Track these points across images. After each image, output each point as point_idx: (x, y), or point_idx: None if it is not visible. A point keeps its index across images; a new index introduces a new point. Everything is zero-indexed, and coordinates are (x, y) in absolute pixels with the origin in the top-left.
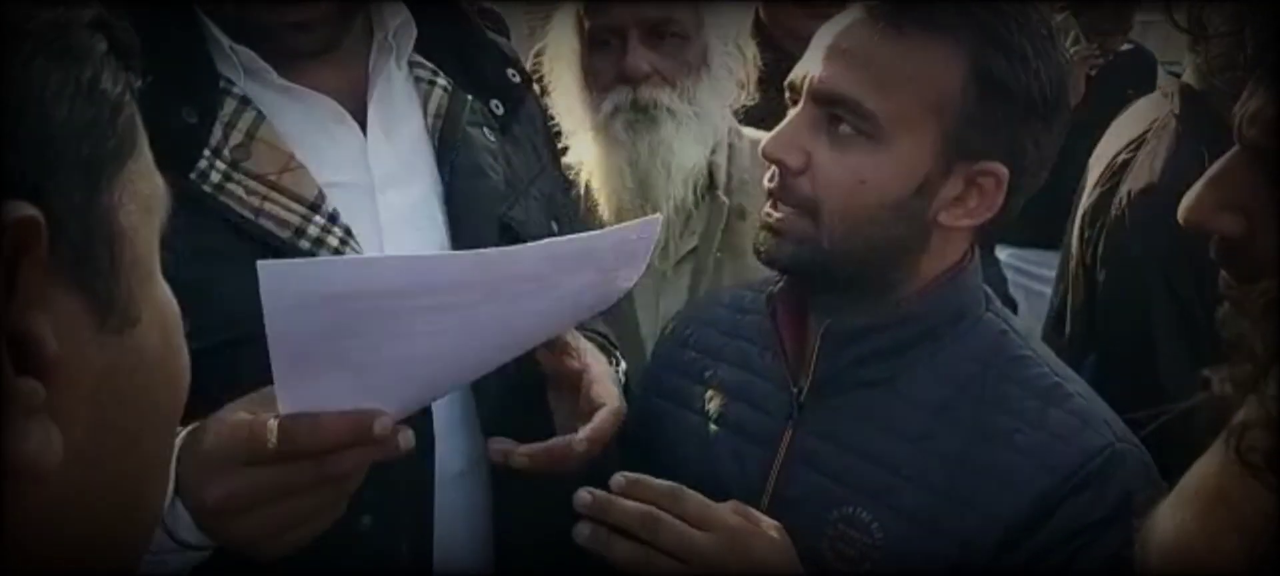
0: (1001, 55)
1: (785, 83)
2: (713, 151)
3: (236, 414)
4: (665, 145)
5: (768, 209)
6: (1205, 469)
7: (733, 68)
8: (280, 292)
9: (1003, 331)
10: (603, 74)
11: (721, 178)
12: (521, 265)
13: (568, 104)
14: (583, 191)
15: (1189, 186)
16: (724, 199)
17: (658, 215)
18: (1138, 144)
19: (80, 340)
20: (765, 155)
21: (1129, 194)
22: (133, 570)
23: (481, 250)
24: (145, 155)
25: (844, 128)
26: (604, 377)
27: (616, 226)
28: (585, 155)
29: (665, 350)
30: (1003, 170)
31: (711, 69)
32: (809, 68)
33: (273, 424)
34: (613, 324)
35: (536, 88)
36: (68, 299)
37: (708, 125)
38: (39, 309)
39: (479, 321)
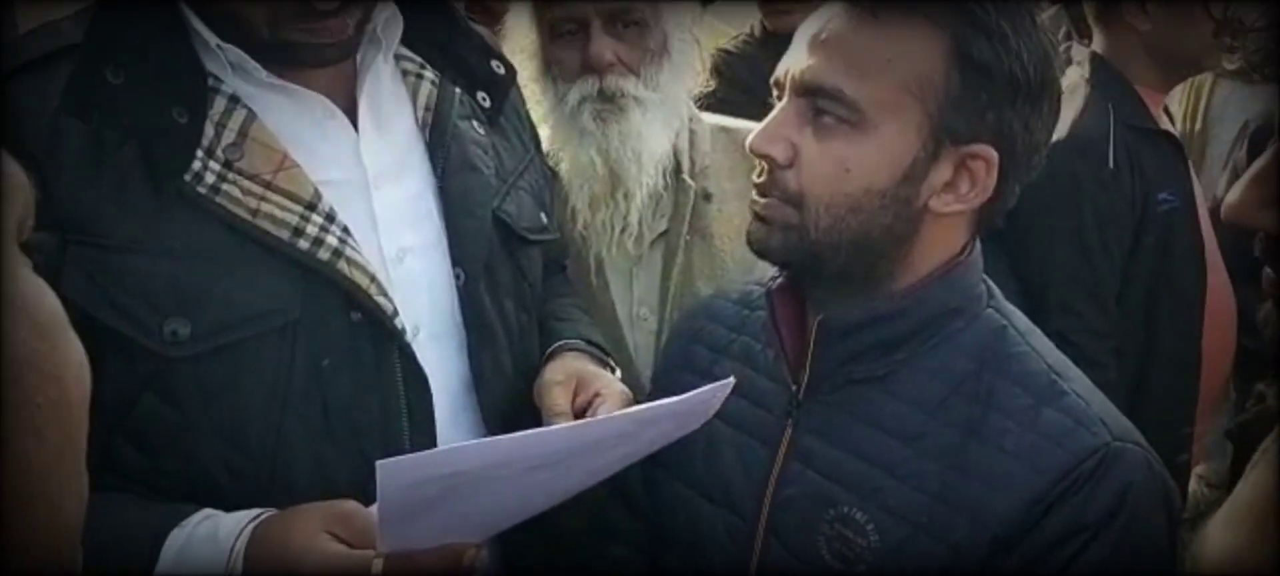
0: (981, 36)
1: (771, 80)
2: (676, 136)
3: (331, 543)
4: (635, 133)
5: (754, 196)
6: (1255, 483)
7: (690, 55)
8: (395, 483)
9: (1002, 327)
10: (566, 64)
11: (686, 162)
12: (612, 430)
13: (531, 95)
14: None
15: (1094, 140)
16: (690, 182)
17: (731, 379)
18: None
19: None
20: (752, 150)
21: None
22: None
23: (578, 424)
24: None
25: (827, 118)
26: (614, 400)
27: (696, 391)
28: (553, 146)
29: (677, 345)
30: (992, 153)
31: (672, 56)
32: (791, 62)
33: (376, 567)
34: (591, 308)
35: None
36: None
37: (673, 111)
38: None
39: (567, 471)
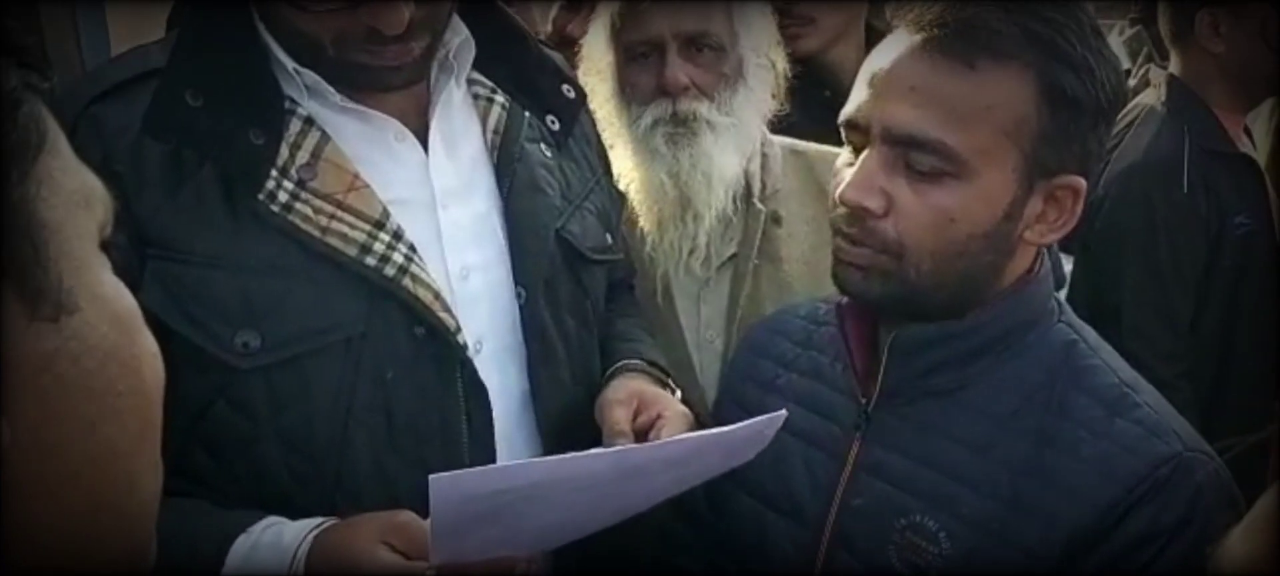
0: (1069, 70)
1: (842, 121)
2: (748, 160)
3: (386, 553)
4: (706, 156)
5: (844, 245)
6: (1269, 498)
7: (765, 79)
8: (447, 497)
9: (1073, 341)
10: (641, 87)
11: (757, 186)
12: (661, 457)
13: (605, 116)
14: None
15: (1168, 163)
16: (760, 206)
17: (783, 412)
18: (1125, 129)
19: (13, 329)
20: (845, 202)
21: (1116, 172)
22: (139, 562)
23: (627, 448)
24: (64, 153)
25: (923, 167)
26: (676, 422)
27: (749, 421)
28: (624, 167)
29: (742, 359)
30: (1080, 182)
31: (747, 80)
32: (871, 106)
33: None
34: (658, 329)
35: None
36: None
37: (745, 135)
38: None
39: (616, 494)
